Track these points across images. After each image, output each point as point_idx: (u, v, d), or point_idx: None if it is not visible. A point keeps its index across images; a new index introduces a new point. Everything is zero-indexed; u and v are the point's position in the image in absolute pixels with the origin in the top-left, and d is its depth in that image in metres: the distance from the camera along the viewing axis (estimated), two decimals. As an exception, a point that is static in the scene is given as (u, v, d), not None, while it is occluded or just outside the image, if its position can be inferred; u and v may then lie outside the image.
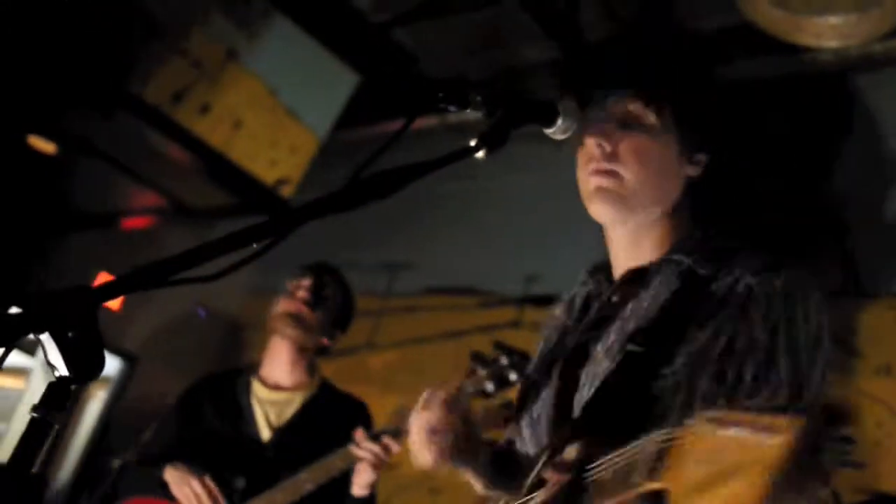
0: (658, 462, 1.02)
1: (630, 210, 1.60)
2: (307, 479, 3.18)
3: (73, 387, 1.05)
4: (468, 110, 1.44)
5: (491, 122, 1.42)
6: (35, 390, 5.14)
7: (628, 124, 1.61)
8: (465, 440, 1.69)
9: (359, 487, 3.22)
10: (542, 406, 1.65)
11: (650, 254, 1.63)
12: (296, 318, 3.47)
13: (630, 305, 1.56)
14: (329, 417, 3.50)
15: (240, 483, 3.20)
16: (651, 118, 1.61)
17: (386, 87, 5.13)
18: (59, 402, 1.05)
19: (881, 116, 3.83)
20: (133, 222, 5.78)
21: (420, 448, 1.70)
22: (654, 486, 1.03)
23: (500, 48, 4.88)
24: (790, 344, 1.38)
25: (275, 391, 3.48)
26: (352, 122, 5.17)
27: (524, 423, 1.70)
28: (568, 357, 1.64)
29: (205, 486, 3.12)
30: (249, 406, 3.45)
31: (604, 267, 1.76)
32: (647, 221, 1.63)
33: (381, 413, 3.60)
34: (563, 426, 1.52)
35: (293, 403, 3.49)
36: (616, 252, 1.70)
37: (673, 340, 1.42)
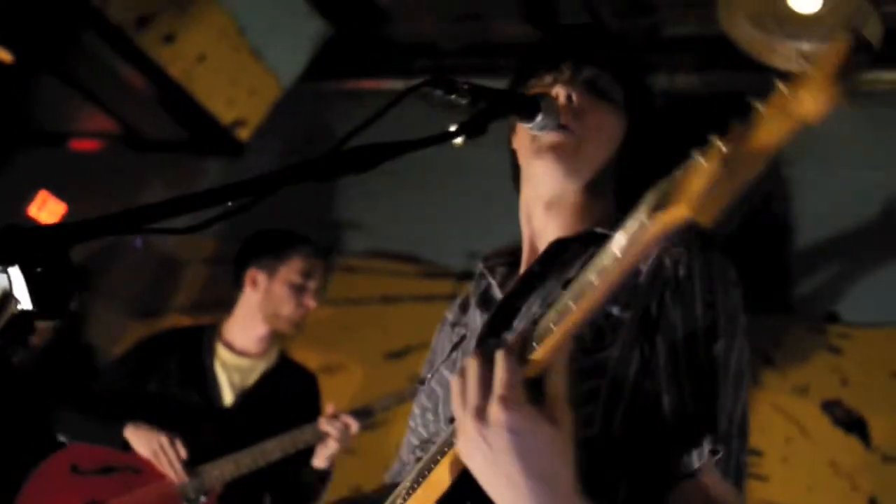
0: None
1: (574, 172, 1.58)
2: (276, 448, 3.24)
3: (35, 322, 1.05)
4: (453, 96, 1.45)
5: (473, 112, 1.43)
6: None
7: (595, 92, 1.62)
8: None
9: (320, 460, 3.31)
10: (447, 387, 1.58)
11: (570, 225, 1.61)
12: (300, 324, 3.53)
13: (557, 273, 1.54)
14: (286, 387, 3.53)
15: (202, 443, 3.20)
16: (617, 93, 1.64)
17: (357, 44, 5.09)
18: (19, 335, 1.05)
19: (829, 144, 3.93)
20: (82, 144, 5.68)
21: None
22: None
23: (475, 21, 4.88)
24: (707, 318, 1.37)
25: (239, 357, 3.49)
26: (319, 74, 5.12)
27: (431, 419, 1.66)
28: (486, 326, 1.57)
29: (173, 443, 3.11)
30: (212, 368, 3.44)
31: (501, 253, 1.75)
32: (579, 184, 1.61)
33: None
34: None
35: (255, 370, 3.50)
36: (531, 221, 1.67)
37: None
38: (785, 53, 3.14)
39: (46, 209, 5.11)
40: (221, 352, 3.49)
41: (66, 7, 4.72)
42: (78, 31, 4.80)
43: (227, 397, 3.42)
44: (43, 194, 5.12)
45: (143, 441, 3.13)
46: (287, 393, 3.52)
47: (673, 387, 1.33)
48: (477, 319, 1.65)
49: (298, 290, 3.47)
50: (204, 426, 3.28)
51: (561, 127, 1.55)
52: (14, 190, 5.22)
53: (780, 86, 0.97)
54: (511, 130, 1.74)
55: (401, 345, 4.63)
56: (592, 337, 1.37)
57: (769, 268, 3.87)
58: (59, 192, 5.14)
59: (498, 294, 1.65)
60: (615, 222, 1.53)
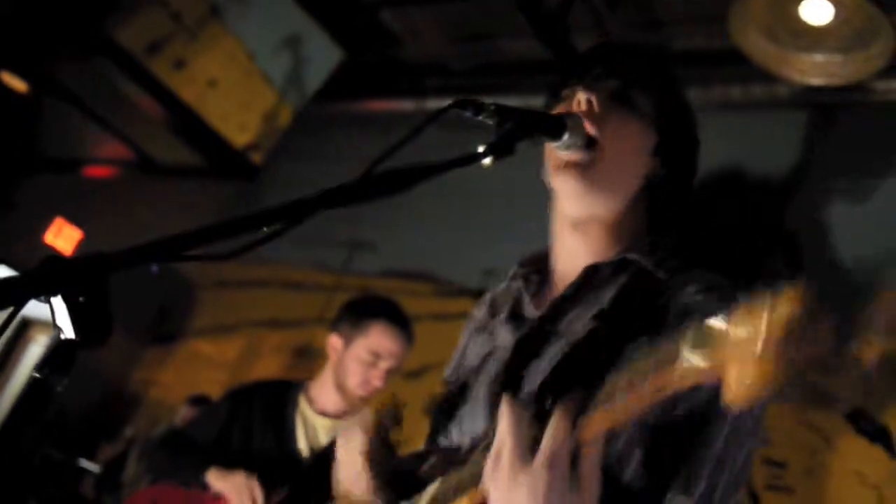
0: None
1: (597, 190, 1.53)
2: None
3: (77, 350, 1.06)
4: (481, 117, 1.45)
5: (500, 132, 1.43)
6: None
7: (620, 102, 1.57)
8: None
9: None
10: (475, 402, 1.60)
11: (600, 247, 1.57)
12: (367, 400, 3.38)
13: (588, 297, 1.52)
14: None
15: (280, 494, 3.18)
16: (644, 103, 1.58)
17: (368, 67, 5.12)
18: (62, 364, 1.05)
19: (840, 155, 3.93)
20: (96, 171, 5.71)
21: (356, 475, 1.66)
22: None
23: (484, 41, 4.91)
24: None
25: (320, 415, 3.41)
26: (331, 96, 5.15)
27: (452, 425, 1.65)
28: (516, 346, 1.55)
29: (253, 487, 3.09)
30: (293, 423, 3.38)
31: (536, 260, 1.70)
32: (604, 205, 1.56)
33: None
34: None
35: (333, 431, 3.36)
36: (561, 238, 1.64)
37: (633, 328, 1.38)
38: (798, 66, 3.15)
39: (62, 236, 5.14)
40: (304, 407, 3.41)
41: (78, 35, 4.76)
42: (90, 58, 4.84)
43: (304, 453, 3.35)
44: (59, 221, 5.15)
45: (227, 481, 3.12)
46: None
47: (678, 433, 1.32)
48: (506, 335, 1.63)
49: (368, 366, 3.31)
50: (279, 478, 3.25)
51: (588, 145, 1.52)
52: (30, 217, 5.25)
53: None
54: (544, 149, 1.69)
55: (418, 364, 4.61)
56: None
57: (787, 275, 3.86)
58: (74, 219, 5.18)
59: (529, 312, 1.63)
60: (646, 245, 1.55)
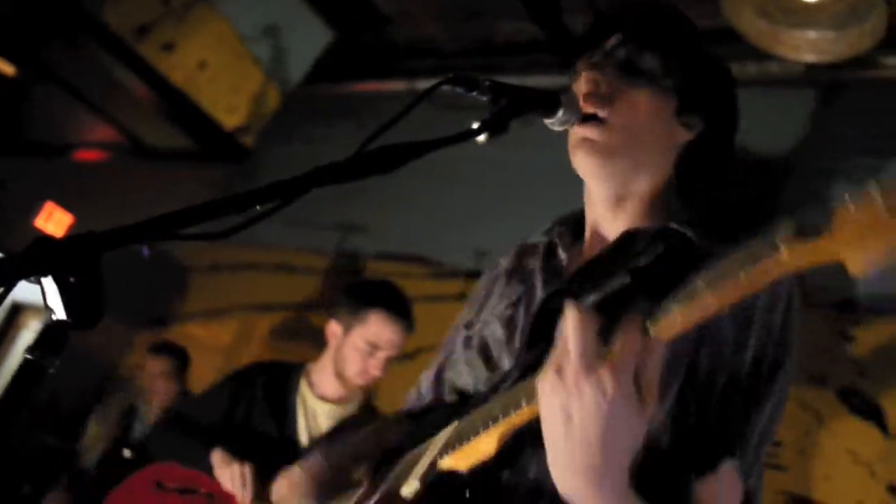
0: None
1: (615, 166, 1.49)
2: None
3: (69, 331, 1.04)
4: (475, 93, 1.44)
5: (495, 109, 1.41)
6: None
7: (629, 71, 1.50)
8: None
9: None
10: (499, 344, 1.57)
11: (637, 216, 1.53)
12: (365, 388, 3.37)
13: (624, 262, 1.46)
14: None
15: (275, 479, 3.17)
16: (653, 64, 1.51)
17: (359, 49, 5.09)
18: (54, 346, 1.04)
19: (833, 134, 3.93)
20: (87, 155, 5.68)
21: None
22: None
23: (477, 21, 4.88)
24: (761, 334, 1.33)
25: (319, 400, 3.38)
26: (322, 78, 5.13)
27: (473, 372, 1.62)
28: (550, 295, 1.50)
29: (244, 473, 3.06)
30: (294, 407, 3.35)
31: (569, 220, 1.67)
32: (631, 183, 1.52)
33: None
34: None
35: (332, 416, 3.38)
36: (595, 211, 1.59)
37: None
38: (791, 43, 3.14)
39: (53, 220, 5.11)
40: (305, 391, 3.39)
41: (66, 18, 4.72)
42: (79, 41, 4.80)
43: (304, 438, 3.33)
44: (49, 206, 5.12)
45: (223, 467, 3.11)
46: None
47: (704, 401, 1.30)
48: (538, 285, 1.59)
49: (366, 355, 3.25)
50: (279, 462, 3.23)
51: (589, 118, 1.48)
52: (19, 202, 5.22)
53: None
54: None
55: (411, 346, 4.62)
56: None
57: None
58: (64, 203, 5.15)
59: (564, 264, 1.60)
60: (685, 215, 1.49)
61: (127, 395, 5.19)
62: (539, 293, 1.57)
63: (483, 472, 1.35)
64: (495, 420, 1.29)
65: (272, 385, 3.41)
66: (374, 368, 3.25)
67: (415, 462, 1.48)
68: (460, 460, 1.37)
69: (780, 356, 1.33)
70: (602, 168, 1.50)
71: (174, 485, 3.24)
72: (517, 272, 1.70)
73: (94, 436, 4.98)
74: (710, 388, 1.30)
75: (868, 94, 3.94)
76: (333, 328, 3.33)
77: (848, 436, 3.51)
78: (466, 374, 1.64)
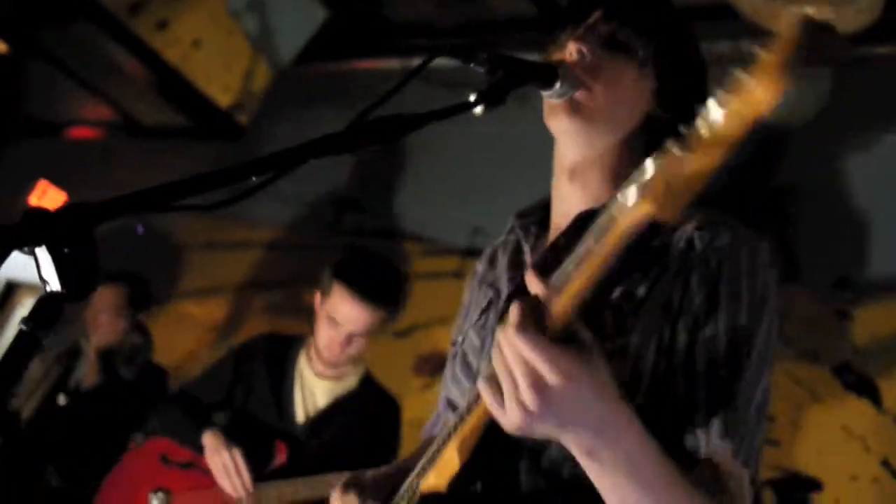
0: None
1: (591, 130, 1.51)
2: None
3: (63, 303, 1.04)
4: (472, 65, 1.43)
5: (491, 81, 1.40)
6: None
7: (614, 48, 1.53)
8: None
9: None
10: (478, 354, 1.60)
11: (597, 194, 1.53)
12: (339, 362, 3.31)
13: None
14: (360, 414, 3.34)
15: (270, 459, 3.17)
16: (639, 48, 1.53)
17: (353, 26, 5.06)
18: (48, 317, 1.04)
19: (828, 112, 3.91)
20: (81, 133, 5.65)
21: None
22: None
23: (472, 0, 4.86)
24: (731, 299, 1.36)
25: (317, 377, 3.36)
26: (317, 56, 5.10)
27: (458, 386, 1.65)
28: (511, 296, 1.54)
29: (234, 459, 3.07)
30: (291, 385, 3.33)
31: (534, 210, 1.69)
32: (601, 147, 1.53)
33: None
34: None
35: (329, 393, 3.36)
36: (559, 187, 1.61)
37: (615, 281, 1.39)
38: (789, 19, 3.11)
39: (46, 199, 5.09)
40: (303, 368, 3.36)
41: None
42: (72, 19, 4.77)
43: (300, 417, 3.31)
44: (42, 184, 5.10)
45: (212, 450, 3.12)
46: (361, 420, 3.32)
47: (688, 371, 1.33)
48: (504, 287, 1.62)
49: (329, 328, 3.19)
50: (275, 443, 3.22)
51: (579, 88, 1.49)
52: (12, 180, 5.20)
53: (738, 74, 0.97)
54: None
55: (406, 323, 4.62)
56: (614, 323, 1.37)
57: (775, 233, 3.86)
58: (58, 182, 5.13)
59: (527, 259, 1.61)
60: None
61: (73, 331, 4.49)
62: (504, 295, 1.60)
63: (463, 487, 1.37)
64: (454, 429, 1.32)
65: (272, 362, 3.41)
66: (337, 343, 3.18)
67: (406, 489, 1.51)
68: (437, 479, 1.39)
69: (755, 318, 1.36)
70: (581, 126, 1.51)
71: (178, 459, 3.30)
72: (487, 277, 1.73)
73: (35, 378, 4.35)
74: (690, 355, 1.34)
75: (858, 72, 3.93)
76: (316, 298, 3.29)
77: (842, 411, 3.52)
78: (455, 389, 1.67)
